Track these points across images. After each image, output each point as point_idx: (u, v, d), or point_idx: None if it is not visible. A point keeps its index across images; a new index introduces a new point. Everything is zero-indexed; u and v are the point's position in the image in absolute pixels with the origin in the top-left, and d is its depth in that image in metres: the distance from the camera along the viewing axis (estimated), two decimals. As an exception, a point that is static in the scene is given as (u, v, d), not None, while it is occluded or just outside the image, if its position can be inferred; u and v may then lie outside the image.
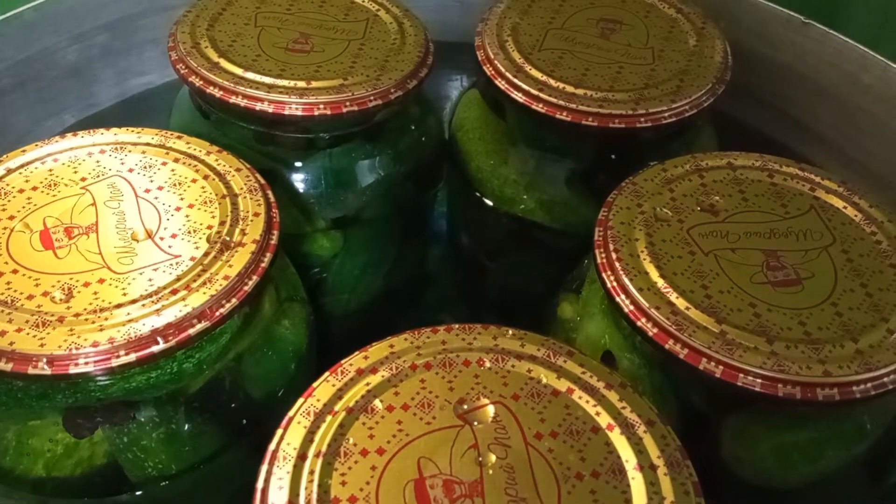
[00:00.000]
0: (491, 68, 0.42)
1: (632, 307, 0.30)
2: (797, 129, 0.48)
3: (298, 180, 0.41)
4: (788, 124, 0.49)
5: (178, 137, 0.36)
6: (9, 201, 0.32)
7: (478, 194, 0.45)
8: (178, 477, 0.32)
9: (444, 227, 0.53)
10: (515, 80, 0.40)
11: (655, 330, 0.30)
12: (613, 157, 0.42)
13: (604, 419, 0.26)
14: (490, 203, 0.45)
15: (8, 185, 0.33)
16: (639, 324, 0.30)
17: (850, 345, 0.29)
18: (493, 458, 0.25)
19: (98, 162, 0.34)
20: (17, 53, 0.45)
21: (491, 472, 0.25)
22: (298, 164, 0.41)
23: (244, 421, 0.34)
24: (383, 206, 0.44)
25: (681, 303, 0.30)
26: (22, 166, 0.34)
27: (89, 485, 0.32)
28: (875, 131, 0.45)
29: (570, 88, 0.40)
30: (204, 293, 0.29)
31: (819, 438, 0.31)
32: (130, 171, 0.34)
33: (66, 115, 0.49)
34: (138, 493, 0.32)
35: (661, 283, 0.31)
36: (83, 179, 0.34)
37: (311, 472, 0.24)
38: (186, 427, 0.32)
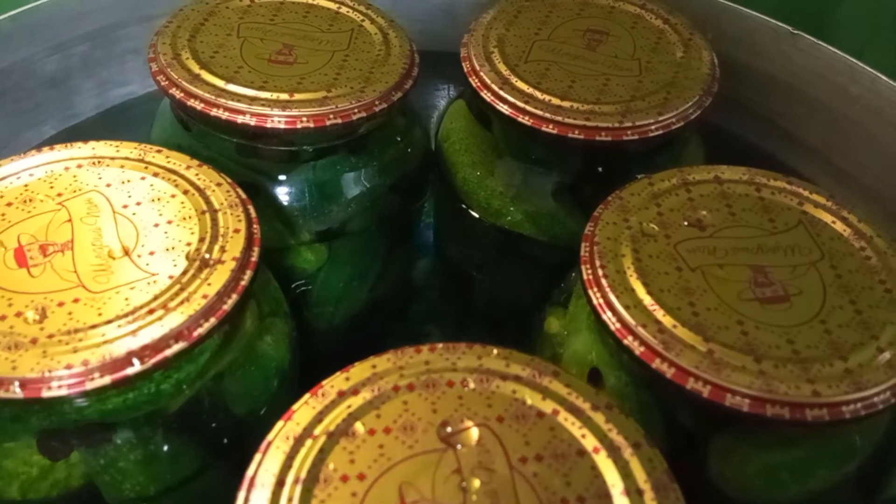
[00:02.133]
0: (477, 80, 0.41)
1: (618, 325, 0.30)
2: (785, 140, 0.48)
3: (282, 193, 0.41)
4: (777, 135, 0.49)
5: (158, 151, 0.35)
6: (-18, 218, 0.32)
7: (464, 206, 0.45)
8: (157, 499, 0.32)
9: (431, 238, 0.53)
10: (501, 93, 0.40)
11: (642, 348, 0.29)
12: (600, 169, 0.42)
13: (590, 442, 0.26)
14: (476, 215, 0.44)
15: (-18, 200, 0.32)
16: (625, 342, 0.29)
17: (839, 363, 0.28)
18: (476, 483, 0.25)
19: (75, 177, 0.34)
20: (-5, 63, 0.45)
21: (475, 497, 0.24)
22: (282, 176, 0.40)
23: (225, 440, 0.33)
24: (368, 219, 0.44)
25: (668, 320, 0.30)
26: (-4, 182, 0.33)
27: (67, 506, 0.31)
28: (864, 142, 0.45)
29: (556, 101, 0.39)
30: (182, 313, 0.29)
31: (808, 458, 0.31)
32: (108, 186, 0.34)
33: (46, 127, 0.48)
34: (116, 515, 0.31)
35: (647, 300, 0.30)
36: (59, 195, 0.33)
37: (290, 500, 0.24)
38: (165, 448, 0.31)
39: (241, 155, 0.40)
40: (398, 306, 0.51)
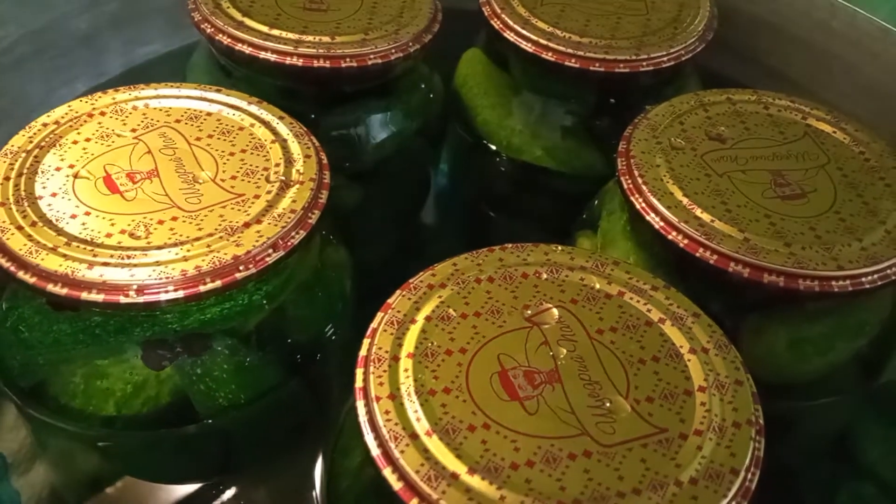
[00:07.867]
0: (499, 22, 0.44)
1: (662, 223, 0.33)
2: (773, 77, 0.52)
3: (319, 135, 0.43)
4: (765, 74, 0.53)
5: (217, 90, 0.37)
6: (65, 151, 0.34)
7: (486, 143, 0.48)
8: (245, 407, 0.34)
9: (445, 183, 0.56)
10: (524, 32, 0.43)
11: (686, 241, 0.33)
12: (613, 101, 0.45)
13: (655, 314, 0.29)
14: (499, 153, 0.48)
15: (60, 136, 0.34)
16: (670, 237, 0.33)
17: (856, 244, 0.33)
18: (563, 351, 0.28)
19: (144, 114, 0.36)
20: (34, 20, 0.46)
21: (563, 362, 0.28)
22: (319, 118, 0.43)
23: (298, 357, 0.36)
24: (398, 161, 0.46)
25: (706, 216, 0.33)
26: (71, 121, 0.35)
27: (157, 419, 0.34)
28: (845, 75, 0.49)
29: (575, 38, 0.43)
30: (275, 226, 0.31)
31: (828, 332, 0.35)
32: (177, 121, 0.36)
33: (78, 84, 0.49)
34: (208, 421, 0.34)
35: (685, 201, 0.34)
36: (133, 130, 0.35)
37: (406, 370, 0.27)
38: (253, 359, 0.34)
39: (281, 98, 0.42)
40: (421, 247, 0.54)
